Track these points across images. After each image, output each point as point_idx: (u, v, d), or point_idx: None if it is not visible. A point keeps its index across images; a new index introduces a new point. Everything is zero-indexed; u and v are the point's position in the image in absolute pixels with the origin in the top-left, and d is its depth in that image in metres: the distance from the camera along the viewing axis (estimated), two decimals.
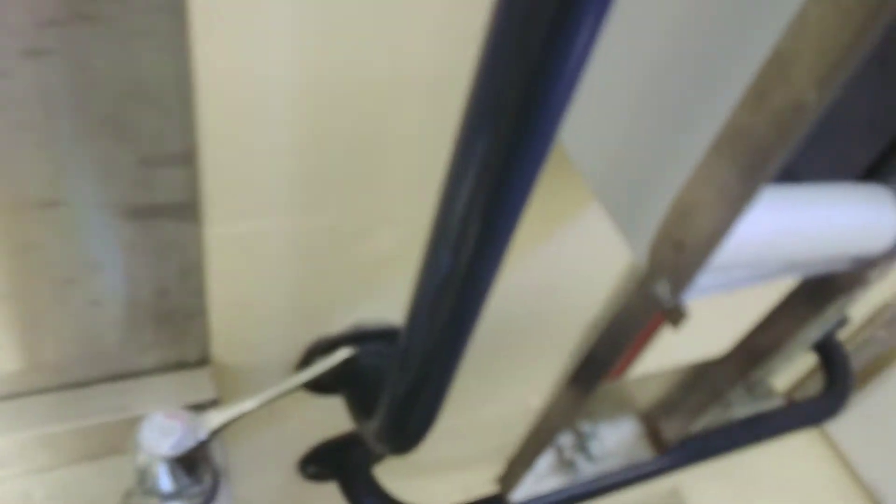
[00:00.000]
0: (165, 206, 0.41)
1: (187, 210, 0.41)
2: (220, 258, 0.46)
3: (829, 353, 1.05)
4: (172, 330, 0.50)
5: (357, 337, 0.61)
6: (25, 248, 0.39)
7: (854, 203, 0.40)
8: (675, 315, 0.37)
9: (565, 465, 0.66)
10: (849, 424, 1.27)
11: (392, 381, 0.46)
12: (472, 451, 1.08)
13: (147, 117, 0.35)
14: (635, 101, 0.38)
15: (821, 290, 0.48)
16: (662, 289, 0.37)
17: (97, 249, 0.41)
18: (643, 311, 0.40)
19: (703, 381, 0.64)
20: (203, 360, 0.54)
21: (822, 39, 0.27)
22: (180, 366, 0.54)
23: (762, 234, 0.35)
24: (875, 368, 1.30)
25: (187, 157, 0.38)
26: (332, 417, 0.70)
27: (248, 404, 0.48)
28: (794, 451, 1.28)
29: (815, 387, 1.11)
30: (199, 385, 0.54)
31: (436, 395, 0.46)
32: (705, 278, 0.37)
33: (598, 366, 0.47)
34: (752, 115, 0.30)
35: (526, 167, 0.30)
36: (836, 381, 1.06)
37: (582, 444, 0.65)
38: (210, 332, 0.52)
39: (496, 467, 1.16)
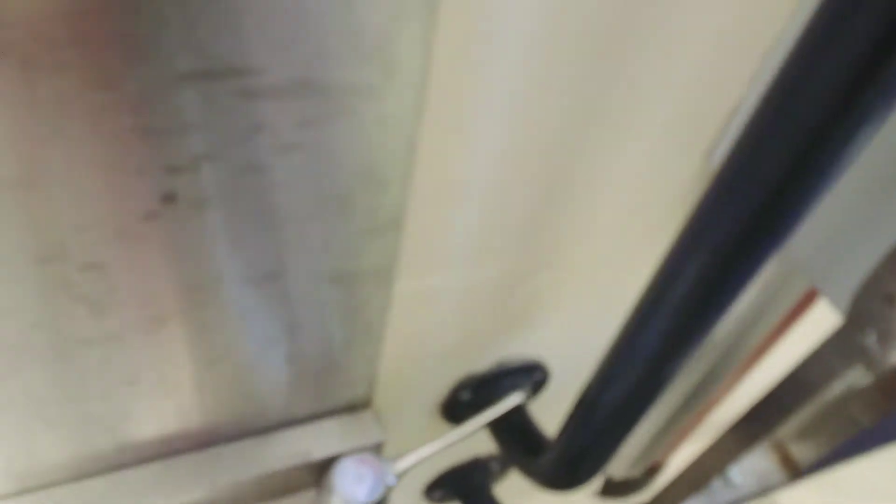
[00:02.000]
0: (366, 270, 0.42)
1: (384, 272, 0.43)
2: (400, 313, 0.48)
3: None
4: (347, 378, 0.52)
5: (500, 373, 0.62)
6: (241, 317, 0.42)
7: None
8: (881, 365, 0.38)
9: (704, 491, 0.67)
10: None
11: (571, 429, 0.48)
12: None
13: (368, 194, 0.37)
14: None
15: None
16: (869, 339, 0.38)
17: (300, 313, 0.43)
18: (841, 360, 0.40)
19: (841, 411, 0.64)
20: (367, 403, 0.56)
21: None
22: (348, 409, 0.56)
23: None
24: None
25: (394, 226, 0.40)
26: (457, 445, 0.71)
27: (429, 449, 0.50)
28: (888, 457, 1.26)
29: None
30: (366, 428, 0.56)
31: (614, 447, 0.47)
32: None
33: (773, 412, 0.48)
34: None
35: (768, 254, 0.31)
36: None
37: (724, 472, 0.66)
38: (377, 377, 0.54)
39: (594, 481, 1.17)
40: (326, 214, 0.37)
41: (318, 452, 0.53)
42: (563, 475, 0.52)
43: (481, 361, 0.61)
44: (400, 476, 0.48)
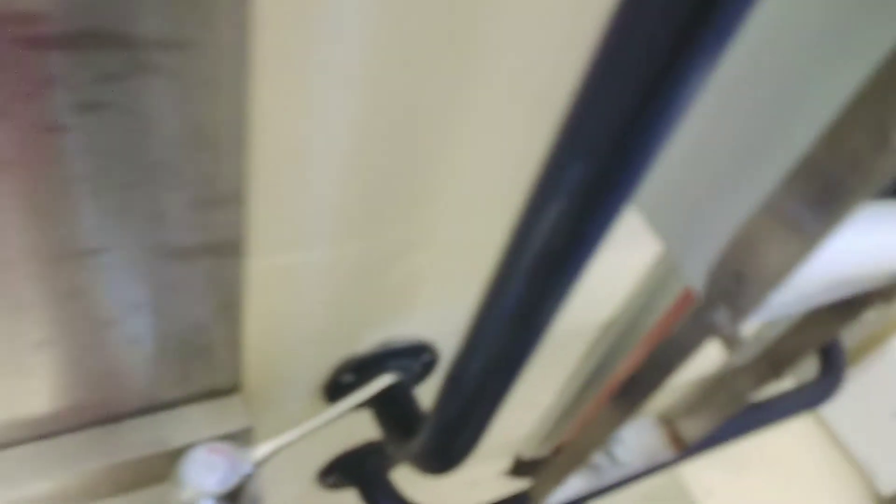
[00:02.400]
0: (211, 245, 0.39)
1: (232, 248, 0.40)
2: (258, 291, 0.45)
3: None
4: (208, 361, 0.49)
5: (384, 355, 0.60)
6: (68, 296, 0.38)
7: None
8: (731, 341, 0.38)
9: (591, 468, 0.67)
10: (839, 404, 1.30)
11: (441, 404, 0.46)
12: (479, 448, 1.09)
13: (200, 162, 0.34)
14: (700, 126, 0.38)
15: (853, 301, 0.49)
16: (721, 316, 0.37)
17: (139, 291, 0.40)
18: (698, 335, 0.40)
19: (725, 387, 0.65)
20: (235, 388, 0.54)
21: None
22: (213, 394, 0.53)
23: (824, 267, 0.36)
24: (863, 349, 1.34)
25: (236, 197, 0.37)
26: (350, 428, 0.69)
27: (290, 436, 0.48)
28: (787, 431, 1.32)
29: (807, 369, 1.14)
30: (232, 413, 0.53)
31: (485, 420, 0.46)
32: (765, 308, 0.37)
33: (643, 387, 0.48)
34: (829, 154, 0.30)
35: (621, 198, 0.30)
36: (830, 364, 1.09)
37: (607, 449, 0.66)
38: (243, 360, 0.51)
39: (502, 462, 1.17)
40: (151, 183, 0.34)
41: (177, 440, 0.50)
42: (434, 456, 0.50)
43: (363, 343, 0.59)
44: (258, 464, 0.46)
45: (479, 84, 0.39)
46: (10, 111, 0.28)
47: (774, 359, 0.64)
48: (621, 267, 0.72)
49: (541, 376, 0.94)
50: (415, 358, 0.63)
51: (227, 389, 0.53)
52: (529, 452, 1.10)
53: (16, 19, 0.26)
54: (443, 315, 0.60)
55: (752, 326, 0.43)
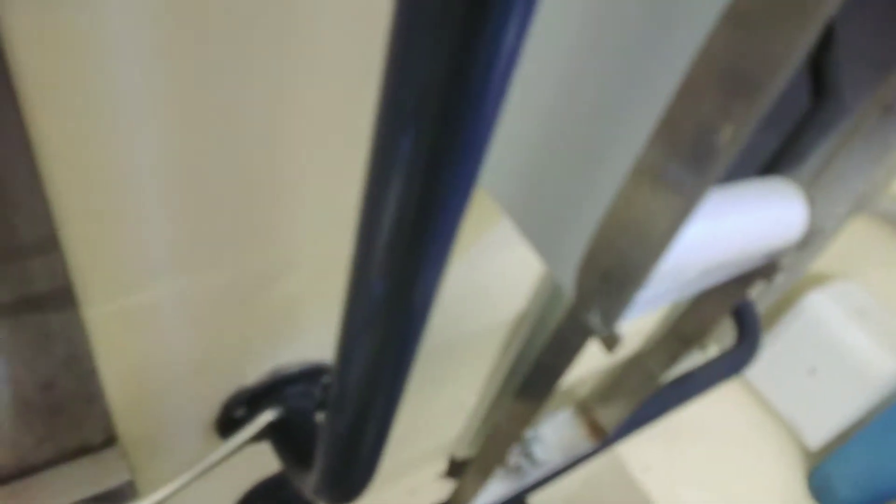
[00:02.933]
0: (33, 297, 0.35)
1: (60, 297, 0.36)
2: (107, 338, 0.41)
3: (738, 306, 1.10)
4: (68, 418, 0.45)
5: (277, 383, 0.57)
6: None
7: (766, 200, 0.40)
8: (609, 341, 0.36)
9: (511, 471, 0.65)
10: (761, 366, 1.33)
11: (328, 428, 0.43)
12: (412, 454, 1.07)
13: None
14: (549, 127, 0.36)
15: (740, 279, 0.48)
16: (594, 318, 0.35)
17: None
18: (578, 337, 0.38)
19: (636, 369, 0.65)
20: (110, 440, 0.49)
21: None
22: (85, 451, 0.48)
23: (689, 252, 0.34)
24: (777, 311, 1.38)
25: (48, 244, 0.33)
26: (263, 458, 0.66)
27: (172, 486, 0.44)
28: (714, 397, 1.34)
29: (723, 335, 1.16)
30: (109, 468, 0.48)
31: (380, 435, 0.43)
32: (635, 304, 0.35)
33: (539, 386, 0.46)
34: (665, 146, 0.28)
35: (457, 167, 0.27)
36: (747, 330, 1.11)
37: (526, 450, 0.65)
38: (111, 410, 0.47)
39: (438, 465, 1.15)
40: None
41: None
42: (332, 486, 0.47)
43: (251, 374, 0.55)
44: None
45: (306, 89, 0.36)
46: None
47: (680, 336, 0.63)
48: (523, 261, 0.70)
49: (463, 376, 0.93)
50: (313, 382, 0.59)
51: (99, 444, 0.49)
52: (462, 452, 1.09)
53: None
54: (331, 334, 0.57)
55: (630, 323, 0.41)
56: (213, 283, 0.43)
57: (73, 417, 0.45)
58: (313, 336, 0.56)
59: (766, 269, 0.45)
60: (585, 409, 0.71)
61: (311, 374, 0.59)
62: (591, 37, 0.32)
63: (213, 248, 0.41)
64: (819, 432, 1.32)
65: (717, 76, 0.26)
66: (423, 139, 0.25)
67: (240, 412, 0.56)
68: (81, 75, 0.28)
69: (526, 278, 0.77)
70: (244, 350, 0.52)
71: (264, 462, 0.70)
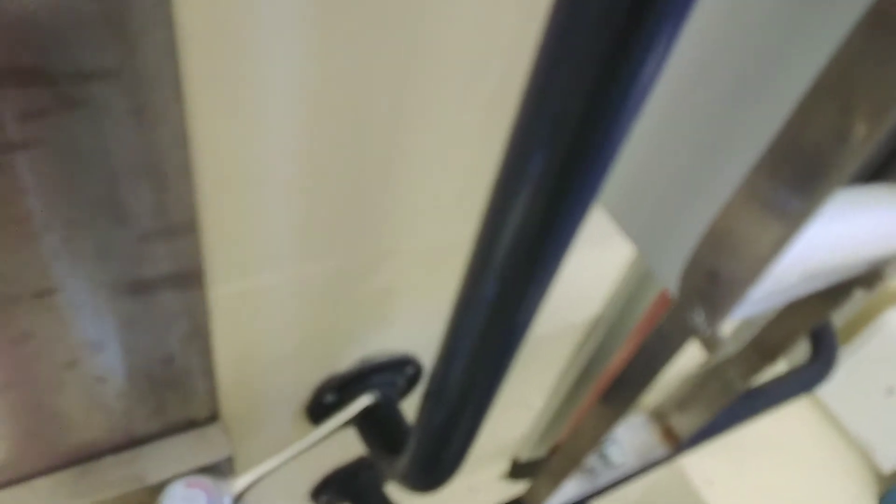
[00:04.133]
0: (167, 277, 0.38)
1: (190, 278, 0.39)
2: (225, 317, 0.44)
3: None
4: (181, 392, 0.48)
5: (365, 371, 0.59)
6: (22, 339, 0.37)
7: (873, 206, 0.40)
8: (711, 342, 0.37)
9: (585, 472, 0.66)
10: (834, 383, 1.30)
11: (425, 417, 0.45)
12: (476, 453, 1.08)
13: (144, 194, 0.33)
14: (662, 121, 0.37)
15: (835, 289, 0.48)
16: (698, 317, 0.36)
17: (98, 329, 0.39)
18: (677, 337, 0.39)
19: (714, 379, 0.64)
20: (213, 417, 0.52)
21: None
22: (191, 425, 0.51)
23: (799, 257, 0.34)
24: (854, 327, 1.33)
25: (188, 228, 0.36)
26: (341, 445, 0.68)
27: (268, 465, 0.46)
28: (784, 414, 1.31)
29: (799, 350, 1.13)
30: (212, 443, 0.51)
31: (472, 429, 0.45)
32: (740, 305, 0.36)
33: (630, 389, 0.46)
34: (803, 132, 0.29)
35: (586, 187, 0.28)
36: (822, 346, 1.08)
37: (601, 452, 0.65)
38: (218, 388, 0.50)
39: (499, 466, 1.16)
40: (97, 219, 0.33)
41: (155, 476, 0.49)
42: (420, 474, 0.49)
43: (343, 361, 0.57)
44: (239, 495, 0.45)
45: (429, 90, 0.38)
46: None
47: (763, 347, 0.63)
48: (601, 265, 0.71)
49: (531, 378, 0.94)
50: (398, 372, 0.61)
51: (204, 419, 0.52)
52: (526, 455, 1.09)
53: None
54: (422, 326, 0.59)
55: (733, 323, 0.41)
56: (322, 271, 0.46)
57: (186, 392, 0.48)
58: (401, 327, 0.58)
59: (867, 277, 0.45)
60: (659, 416, 0.71)
61: (396, 364, 0.61)
62: (712, 52, 0.33)
63: (326, 237, 0.43)
64: (894, 455, 1.27)
65: (838, 96, 0.27)
66: (555, 160, 0.27)
67: (329, 398, 0.59)
68: (237, 76, 0.31)
69: (600, 284, 0.77)
70: (339, 337, 0.55)
71: (342, 448, 0.73)
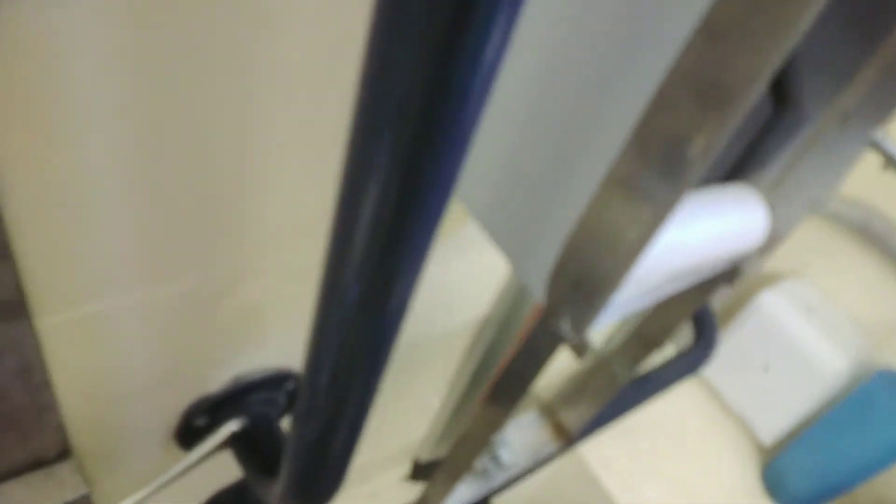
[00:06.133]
0: None
1: (12, 308, 0.35)
2: (62, 349, 0.39)
3: None
4: (19, 431, 0.43)
5: (240, 391, 0.55)
6: None
7: (730, 206, 0.40)
8: (579, 348, 0.36)
9: (478, 474, 0.65)
10: (716, 363, 1.36)
11: (296, 435, 0.42)
12: (374, 457, 1.06)
13: None
14: (520, 135, 0.35)
15: (703, 284, 0.49)
16: (565, 325, 0.35)
17: None
18: (548, 343, 0.38)
19: (600, 372, 0.65)
20: (64, 454, 0.47)
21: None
22: (38, 465, 0.46)
23: (657, 259, 0.34)
24: (731, 309, 1.41)
25: (2, 256, 0.32)
26: (224, 466, 0.64)
27: (135, 498, 0.42)
28: (673, 394, 1.37)
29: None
30: (63, 482, 0.47)
31: (350, 441, 0.42)
32: (604, 311, 0.35)
33: (510, 392, 0.45)
34: (638, 157, 0.28)
35: (437, 174, 0.26)
36: (703, 329, 1.13)
37: (492, 454, 0.64)
38: (67, 423, 0.45)
39: (401, 468, 1.15)
40: None
41: None
42: (298, 495, 0.46)
43: (212, 382, 0.54)
44: None
45: (271, 99, 0.35)
46: None
47: (645, 337, 0.64)
48: (488, 266, 0.70)
49: (426, 377, 0.92)
50: (276, 388, 0.58)
51: (53, 457, 0.47)
52: (426, 455, 1.08)
53: None
54: (296, 340, 0.56)
55: (606, 325, 0.41)
56: (172, 293, 0.42)
57: (25, 430, 0.43)
58: (276, 343, 0.55)
59: (728, 273, 0.46)
60: (550, 411, 0.72)
61: (274, 381, 0.58)
62: (566, 46, 0.32)
63: (171, 259, 0.39)
64: (772, 428, 1.35)
65: (691, 88, 0.26)
66: (402, 146, 0.25)
67: (201, 421, 0.55)
68: (35, 82, 0.27)
69: (489, 282, 0.77)
70: (205, 358, 0.51)
71: (224, 470, 0.69)
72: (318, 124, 0.39)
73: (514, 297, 0.77)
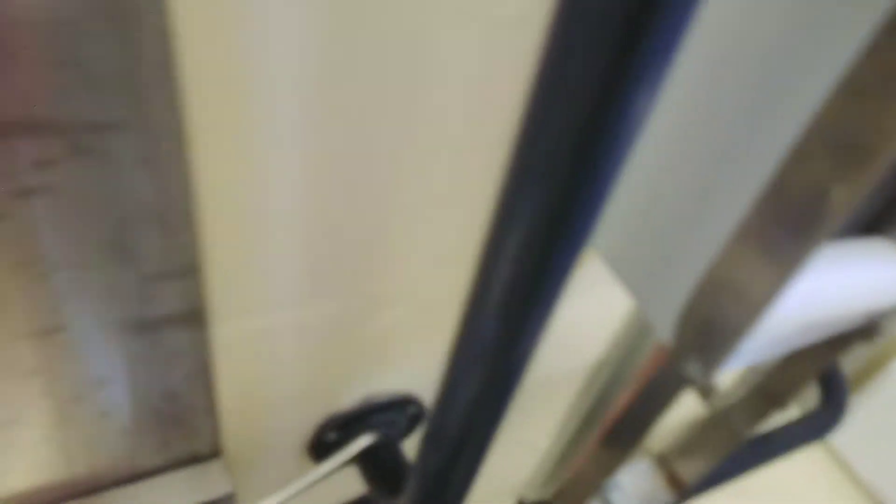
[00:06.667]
0: (171, 316, 0.39)
1: (193, 317, 0.40)
2: (228, 356, 0.45)
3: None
4: (184, 428, 0.49)
5: (367, 410, 0.59)
6: (28, 375, 0.38)
7: (870, 260, 0.40)
8: (706, 390, 0.37)
9: None
10: (845, 429, 1.27)
11: (423, 459, 0.45)
12: (482, 494, 1.07)
13: (150, 237, 0.34)
14: (655, 169, 0.37)
15: (837, 339, 0.48)
16: (693, 367, 0.36)
17: (103, 366, 0.40)
18: (673, 385, 0.39)
19: (720, 425, 0.64)
20: (216, 453, 0.53)
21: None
22: (194, 460, 0.52)
23: (791, 308, 0.35)
24: (865, 373, 1.32)
25: (191, 270, 0.37)
26: (345, 483, 0.68)
27: (272, 500, 0.46)
28: (795, 458, 1.29)
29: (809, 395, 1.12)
30: (213, 479, 0.52)
31: (472, 470, 0.44)
32: (734, 356, 0.36)
33: (629, 434, 0.46)
34: (772, 209, 0.29)
35: (583, 221, 0.29)
36: (832, 391, 1.07)
37: (604, 496, 0.64)
38: (221, 425, 0.50)
39: None
40: (102, 262, 0.34)
41: None
42: None
43: (345, 399, 0.58)
44: None
45: (429, 146, 0.39)
46: None
47: (769, 393, 0.62)
48: (604, 308, 0.71)
49: (536, 418, 0.93)
50: (400, 411, 0.62)
51: (207, 455, 0.52)
52: (532, 495, 1.08)
53: None
54: (425, 367, 0.59)
55: (734, 371, 0.42)
56: (325, 313, 0.46)
57: (189, 428, 0.49)
58: (404, 367, 0.59)
59: (865, 331, 0.45)
60: (665, 461, 0.71)
61: (399, 404, 0.61)
62: (705, 100, 0.34)
63: (330, 281, 0.44)
64: None
65: (830, 144, 0.28)
66: (549, 198, 0.27)
67: (331, 436, 0.59)
68: (240, 127, 0.32)
69: (606, 325, 0.77)
70: (341, 377, 0.55)
71: (346, 485, 0.72)
72: (466, 174, 0.43)
73: (631, 339, 0.77)
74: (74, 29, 0.25)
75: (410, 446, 0.62)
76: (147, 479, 0.51)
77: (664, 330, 0.38)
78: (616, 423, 0.48)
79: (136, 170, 0.30)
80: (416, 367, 0.59)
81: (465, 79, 0.37)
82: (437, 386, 0.41)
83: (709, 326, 0.35)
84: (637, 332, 0.75)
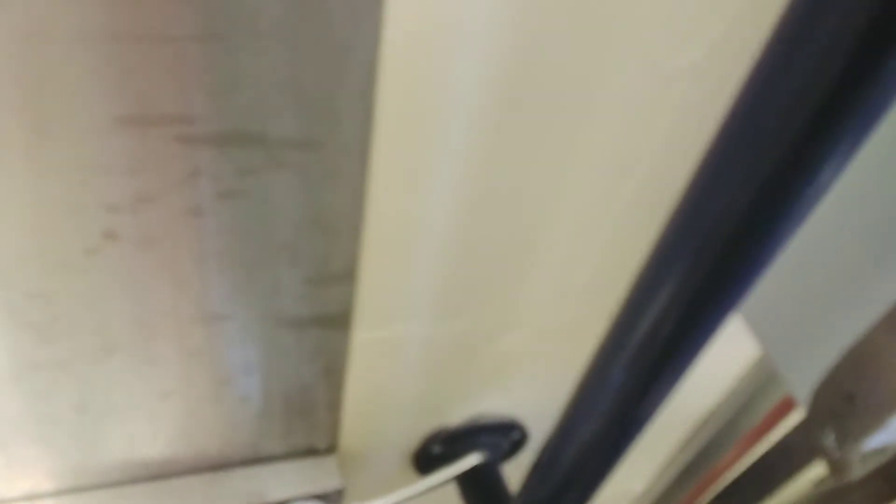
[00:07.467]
0: (321, 317, 0.42)
1: (340, 320, 0.43)
2: (360, 360, 0.48)
3: None
4: (309, 420, 0.52)
5: (474, 429, 0.61)
6: (191, 354, 0.42)
7: None
8: (840, 466, 0.36)
9: None
10: None
11: (530, 488, 0.46)
12: None
13: (317, 244, 0.37)
14: (810, 236, 0.37)
15: None
16: (827, 438, 0.35)
17: (253, 355, 0.43)
18: (803, 454, 0.38)
19: (836, 502, 0.61)
20: (331, 448, 0.56)
21: None
22: (311, 453, 0.55)
23: None
24: None
25: (348, 276, 0.40)
26: (440, 499, 0.70)
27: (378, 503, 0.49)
28: None
29: None
30: (327, 473, 0.55)
31: None
32: (879, 433, 0.35)
33: (744, 497, 0.45)
34: None
35: (726, 301, 0.29)
36: None
37: None
38: (341, 423, 0.53)
39: None
40: (275, 262, 0.37)
41: (273, 494, 0.52)
42: None
43: (454, 416, 0.60)
44: None
45: (574, 186, 0.40)
46: (160, 197, 0.32)
47: (891, 479, 0.59)
48: (722, 362, 0.69)
49: (634, 463, 0.91)
50: (504, 435, 0.63)
51: (323, 449, 0.56)
52: None
53: (174, 120, 0.30)
54: (534, 396, 0.60)
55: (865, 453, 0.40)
56: (453, 330, 0.48)
57: (313, 421, 0.52)
58: (514, 393, 0.60)
59: None
60: None
61: (504, 428, 0.62)
62: (865, 179, 0.33)
63: (463, 300, 0.46)
64: None
65: None
66: (702, 268, 0.28)
67: (436, 449, 0.61)
68: (416, 153, 0.35)
69: (719, 377, 0.75)
70: (455, 393, 0.57)
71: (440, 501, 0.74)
72: (604, 216, 0.44)
73: (744, 398, 0.75)
74: (295, 52, 0.28)
75: (507, 470, 0.63)
76: (266, 464, 0.55)
77: (801, 395, 0.37)
78: (731, 483, 0.47)
79: (321, 183, 0.33)
80: (525, 394, 0.60)
81: (625, 126, 0.38)
82: (546, 416, 0.42)
83: (850, 399, 0.34)
84: (753, 389, 0.72)
